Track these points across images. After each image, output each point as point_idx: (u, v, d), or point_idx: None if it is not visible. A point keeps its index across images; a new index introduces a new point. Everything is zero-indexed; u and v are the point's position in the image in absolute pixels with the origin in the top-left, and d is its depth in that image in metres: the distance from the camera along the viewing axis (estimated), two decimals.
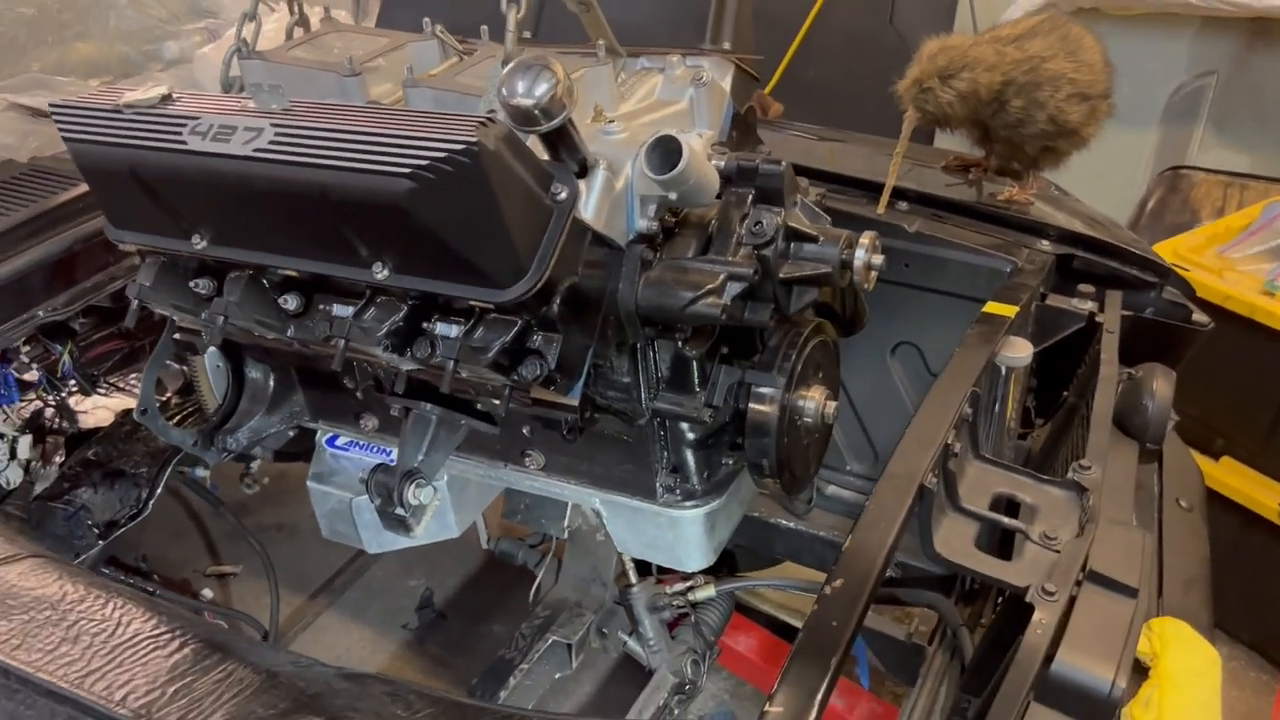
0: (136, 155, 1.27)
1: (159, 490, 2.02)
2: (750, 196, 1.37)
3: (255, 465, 2.83)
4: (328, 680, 1.19)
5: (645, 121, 1.44)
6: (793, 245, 1.36)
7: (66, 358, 2.07)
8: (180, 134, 1.24)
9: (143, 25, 2.28)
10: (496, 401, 1.47)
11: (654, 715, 2.06)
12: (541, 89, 1.16)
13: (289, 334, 1.40)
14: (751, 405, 1.40)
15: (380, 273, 1.24)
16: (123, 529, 2.01)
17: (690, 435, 1.50)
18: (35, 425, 2.22)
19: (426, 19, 1.58)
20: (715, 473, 1.54)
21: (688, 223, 1.40)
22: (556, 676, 2.22)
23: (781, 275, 1.35)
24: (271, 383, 1.75)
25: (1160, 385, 1.63)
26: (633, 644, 2.14)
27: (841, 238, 1.36)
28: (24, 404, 2.18)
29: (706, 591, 2.16)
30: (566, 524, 1.91)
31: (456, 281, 1.21)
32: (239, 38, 1.56)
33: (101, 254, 1.89)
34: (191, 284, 1.43)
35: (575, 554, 2.31)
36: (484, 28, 1.57)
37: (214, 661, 1.18)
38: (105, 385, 2.33)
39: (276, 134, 1.19)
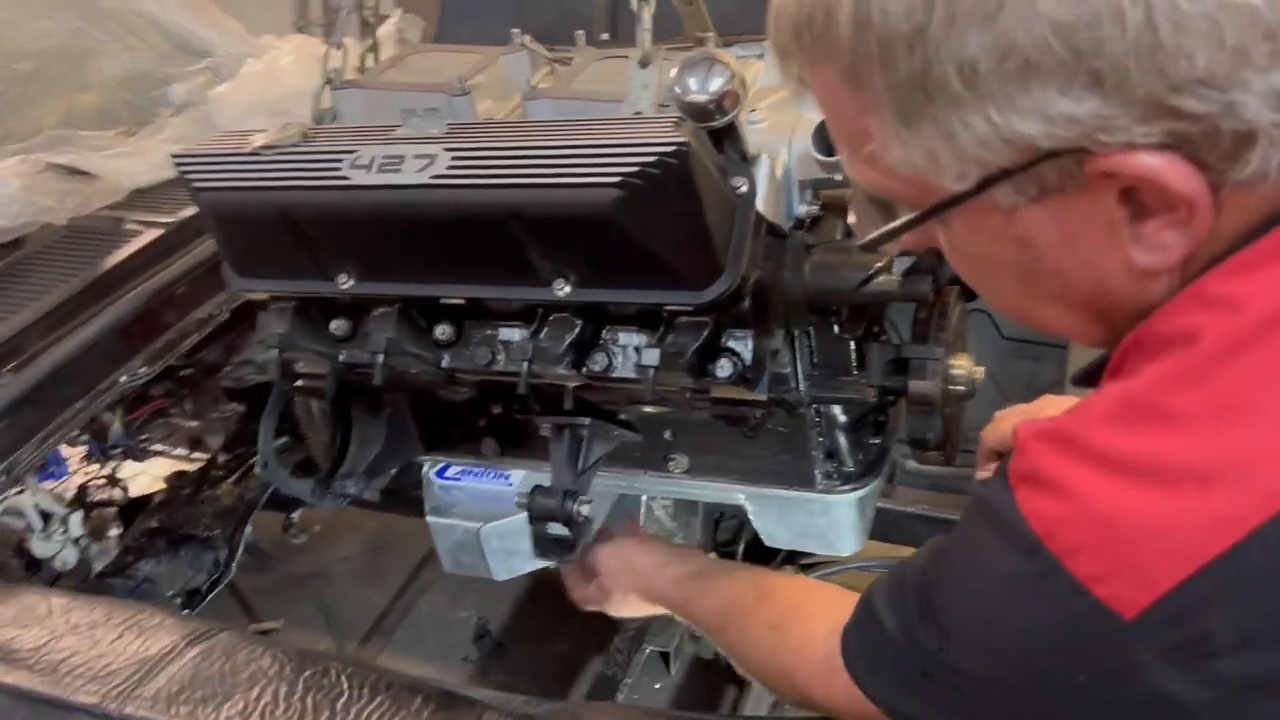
0: (290, 197, 1.21)
1: (240, 550, 1.94)
2: None
3: (298, 514, 2.73)
4: None
5: (769, 105, 1.44)
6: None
7: (118, 424, 1.96)
8: (339, 169, 1.19)
9: (139, 70, 2.19)
10: (650, 409, 1.46)
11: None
12: (716, 84, 1.15)
13: (444, 364, 1.36)
14: (912, 380, 1.41)
15: (562, 289, 1.21)
16: (209, 596, 1.92)
17: (843, 419, 1.50)
18: (81, 499, 2.10)
19: (514, 30, 1.55)
20: (866, 455, 1.55)
21: (829, 205, 1.40)
22: (656, 686, 2.20)
23: None
24: (384, 420, 1.69)
25: None
26: None
27: None
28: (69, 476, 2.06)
29: None
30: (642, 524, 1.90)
31: (648, 288, 1.19)
32: (326, 68, 1.50)
33: (168, 312, 1.79)
34: (332, 326, 1.38)
35: None
36: (579, 33, 1.55)
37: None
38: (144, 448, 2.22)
39: (454, 158, 1.15)
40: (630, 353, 1.26)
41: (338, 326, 1.39)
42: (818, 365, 1.44)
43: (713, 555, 1.68)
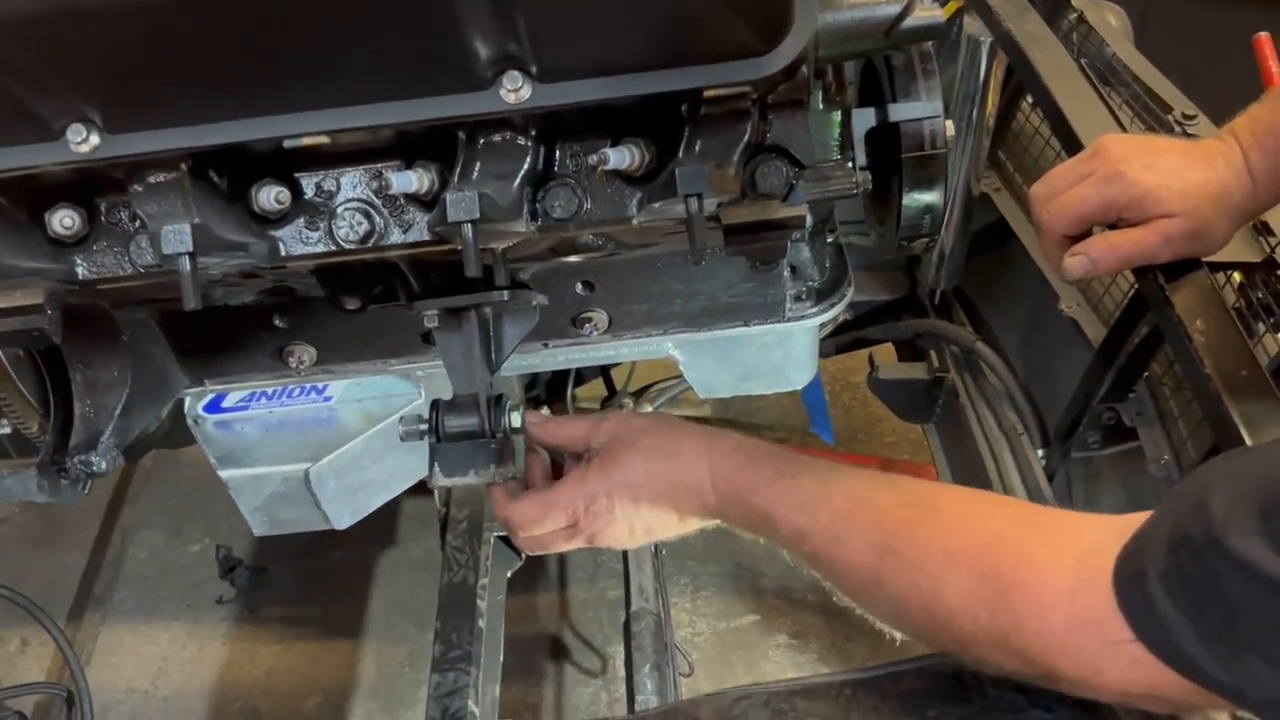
0: None
1: None
2: None
3: None
4: None
5: None
6: None
7: None
8: None
9: None
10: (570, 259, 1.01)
11: None
12: None
13: (279, 252, 0.81)
14: (906, 150, 1.07)
15: (515, 90, 0.71)
16: None
17: (809, 221, 1.14)
18: None
19: None
20: (830, 264, 1.20)
21: None
22: (509, 574, 1.81)
23: None
24: (122, 352, 1.08)
25: None
26: None
27: None
28: None
29: (642, 411, 1.84)
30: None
31: (673, 63, 0.72)
32: None
33: None
34: (54, 223, 0.78)
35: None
36: None
37: None
38: None
39: None
40: (611, 185, 0.80)
41: (64, 222, 0.79)
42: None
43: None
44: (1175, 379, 1.27)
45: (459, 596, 1.64)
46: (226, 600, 2.15)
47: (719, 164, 0.76)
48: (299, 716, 1.95)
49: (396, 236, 0.81)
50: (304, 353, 1.14)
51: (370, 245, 0.81)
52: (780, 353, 1.22)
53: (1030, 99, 1.55)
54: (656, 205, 0.79)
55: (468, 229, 0.73)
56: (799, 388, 1.28)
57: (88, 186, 0.80)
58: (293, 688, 2.00)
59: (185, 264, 0.73)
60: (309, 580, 2.18)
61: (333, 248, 0.81)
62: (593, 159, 0.75)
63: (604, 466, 0.91)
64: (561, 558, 2.20)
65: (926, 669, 0.79)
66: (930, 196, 1.09)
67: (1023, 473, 1.47)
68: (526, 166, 0.77)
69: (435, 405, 0.98)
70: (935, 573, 0.72)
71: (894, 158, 1.08)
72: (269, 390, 1.21)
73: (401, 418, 1.00)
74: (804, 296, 1.17)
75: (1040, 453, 1.50)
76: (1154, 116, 1.30)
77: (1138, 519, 0.66)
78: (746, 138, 0.77)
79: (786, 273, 1.13)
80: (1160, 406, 1.28)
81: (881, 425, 2.44)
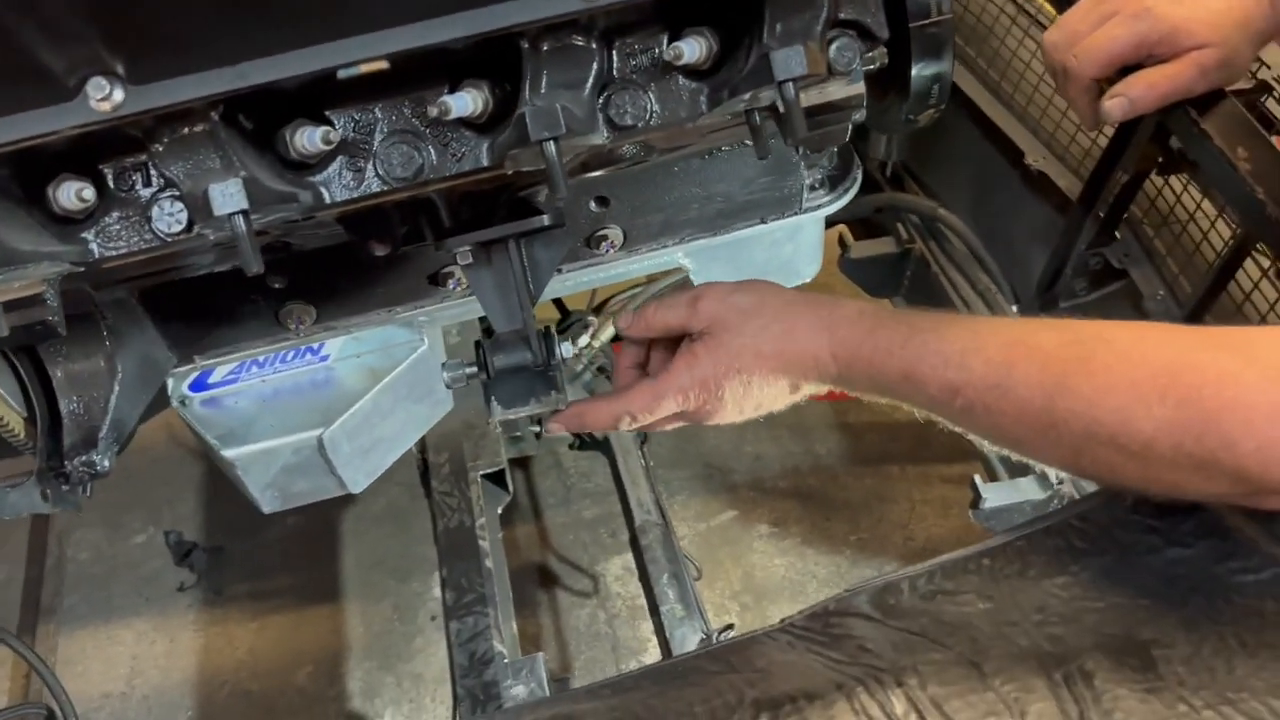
0: None
1: None
2: None
3: None
4: None
5: None
6: None
7: None
8: None
9: None
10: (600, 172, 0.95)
11: None
12: None
13: (326, 199, 0.74)
14: (913, 19, 1.03)
15: None
16: None
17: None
18: None
19: None
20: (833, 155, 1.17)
21: None
22: (499, 510, 1.76)
23: None
24: (104, 338, 0.97)
25: None
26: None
27: None
28: None
29: (609, 328, 1.79)
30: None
31: None
32: None
33: None
34: (58, 198, 0.68)
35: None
36: None
37: None
38: None
39: None
40: (675, 83, 0.74)
41: (77, 196, 0.69)
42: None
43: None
44: (1158, 217, 1.30)
45: (459, 541, 1.59)
46: (188, 586, 2.04)
47: (805, 40, 0.71)
48: (293, 690, 1.88)
49: (450, 167, 0.74)
50: (304, 312, 1.06)
51: (423, 180, 0.74)
52: (790, 247, 1.20)
53: None
54: (727, 99, 0.74)
55: (550, 147, 0.67)
56: (808, 280, 1.26)
57: (93, 151, 0.70)
58: (280, 663, 1.92)
59: (240, 224, 0.65)
60: (271, 552, 2.09)
61: (383, 188, 0.74)
62: (669, 54, 0.70)
63: (711, 350, 0.85)
64: (531, 487, 2.16)
65: (1052, 528, 0.79)
66: (939, 65, 1.06)
67: None
68: (595, 71, 0.71)
69: (479, 345, 0.92)
70: (1121, 406, 0.69)
71: (897, 31, 1.05)
72: (259, 359, 1.13)
73: (444, 365, 0.94)
74: (818, 185, 1.14)
75: (1014, 309, 1.53)
76: None
77: None
78: (825, 11, 0.72)
79: (801, 163, 1.10)
80: (1145, 245, 1.31)
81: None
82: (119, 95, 0.62)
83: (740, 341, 0.84)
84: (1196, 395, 0.67)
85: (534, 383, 0.92)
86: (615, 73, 0.74)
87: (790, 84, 0.68)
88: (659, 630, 1.47)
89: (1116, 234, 1.33)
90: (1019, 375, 0.73)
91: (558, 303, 1.90)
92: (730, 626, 1.43)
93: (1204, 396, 0.67)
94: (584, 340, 1.02)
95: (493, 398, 0.92)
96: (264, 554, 2.08)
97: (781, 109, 0.70)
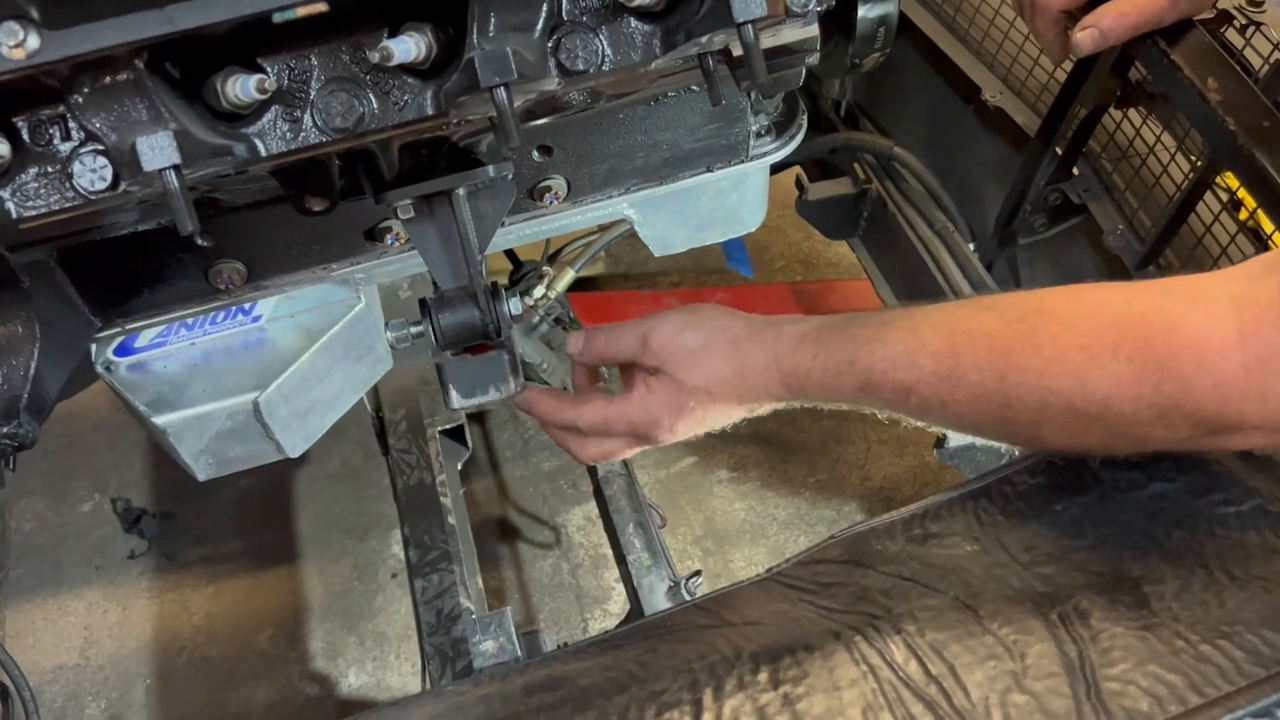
0: None
1: None
2: None
3: None
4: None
5: None
6: None
7: None
8: None
9: None
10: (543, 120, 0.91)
11: None
12: None
13: (259, 151, 0.69)
14: None
15: None
16: None
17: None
18: None
19: None
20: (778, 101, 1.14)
21: None
22: (459, 466, 1.73)
23: None
24: (20, 303, 0.92)
25: None
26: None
27: None
28: None
29: (565, 277, 1.75)
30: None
31: None
32: None
33: None
34: None
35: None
36: None
37: None
38: None
39: None
40: (628, 25, 0.71)
41: None
42: None
43: None
44: (1117, 151, 1.29)
45: (420, 497, 1.56)
46: (140, 554, 2.00)
47: None
48: (254, 653, 1.86)
49: (393, 117, 0.70)
50: (232, 271, 1.01)
51: (364, 130, 0.70)
52: (736, 196, 1.17)
53: None
54: (682, 43, 0.70)
55: (501, 93, 0.63)
56: (753, 230, 1.23)
57: (6, 102, 0.65)
58: (238, 627, 1.89)
59: (173, 179, 0.61)
60: (223, 515, 2.05)
61: (322, 139, 0.70)
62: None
63: (665, 387, 0.87)
64: (489, 441, 2.13)
65: (1033, 467, 0.78)
66: (885, 6, 1.03)
67: (963, 267, 1.49)
68: (545, 12, 0.67)
69: (424, 304, 0.88)
70: (1073, 370, 0.69)
71: None
72: (188, 321, 1.08)
73: (388, 324, 0.90)
74: (764, 132, 1.10)
75: (971, 246, 1.52)
76: None
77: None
78: None
79: (749, 109, 1.07)
80: (1104, 180, 1.30)
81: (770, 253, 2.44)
82: (34, 41, 0.57)
83: (694, 383, 0.86)
84: (1147, 345, 0.67)
85: (492, 368, 0.90)
86: (565, 15, 0.70)
87: (749, 26, 0.65)
88: (626, 579, 1.46)
89: (1075, 169, 1.32)
90: (967, 363, 0.73)
91: (510, 254, 1.86)
92: (698, 573, 1.42)
93: (1155, 345, 0.66)
94: (539, 291, 0.98)
95: (450, 386, 0.90)
96: (216, 518, 2.04)
97: (739, 52, 0.67)
